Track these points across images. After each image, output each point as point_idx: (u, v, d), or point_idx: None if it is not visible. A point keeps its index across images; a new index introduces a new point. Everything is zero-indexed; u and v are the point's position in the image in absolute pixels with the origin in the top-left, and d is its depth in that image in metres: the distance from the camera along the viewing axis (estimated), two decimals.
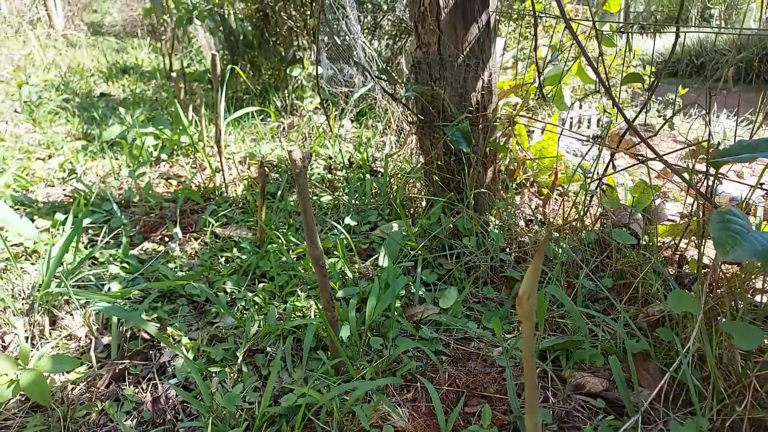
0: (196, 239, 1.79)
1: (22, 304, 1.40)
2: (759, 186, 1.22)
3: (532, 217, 1.84)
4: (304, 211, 1.03)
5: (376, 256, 1.59)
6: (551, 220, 1.86)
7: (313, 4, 2.99)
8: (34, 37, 7.53)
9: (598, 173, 1.54)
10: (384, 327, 1.28)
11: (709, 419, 0.95)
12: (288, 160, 2.35)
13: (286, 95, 3.31)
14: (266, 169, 2.30)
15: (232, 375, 1.18)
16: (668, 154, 1.08)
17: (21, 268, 1.59)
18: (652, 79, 1.54)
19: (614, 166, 1.52)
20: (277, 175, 2.27)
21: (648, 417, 0.99)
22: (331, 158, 2.41)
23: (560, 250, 1.51)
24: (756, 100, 1.46)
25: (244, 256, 1.64)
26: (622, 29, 1.49)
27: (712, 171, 1.31)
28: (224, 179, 2.06)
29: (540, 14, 1.57)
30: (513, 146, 1.86)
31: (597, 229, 1.57)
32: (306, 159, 1.01)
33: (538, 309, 1.23)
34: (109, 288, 1.50)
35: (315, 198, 2.10)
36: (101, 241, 1.75)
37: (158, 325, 1.35)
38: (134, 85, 4.58)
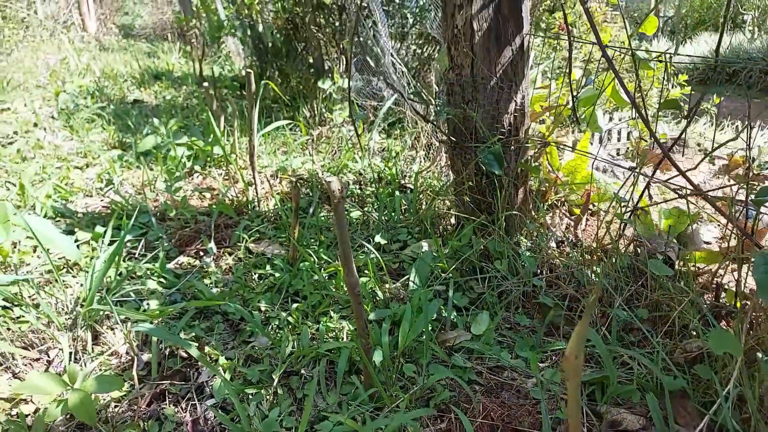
0: (230, 254, 1.83)
1: (66, 319, 1.45)
2: None
3: (564, 239, 1.83)
4: (341, 239, 1.05)
5: (407, 276, 1.60)
6: (583, 241, 1.85)
7: (343, 16, 3.02)
8: (68, 42, 7.73)
9: (633, 199, 1.53)
10: (416, 352, 1.30)
11: None
12: (321, 180, 2.38)
13: (315, 106, 3.34)
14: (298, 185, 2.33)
15: (268, 397, 1.21)
16: (712, 190, 1.07)
17: (63, 281, 1.64)
18: (689, 106, 1.52)
19: (650, 196, 1.51)
20: (307, 190, 2.30)
21: None
22: (360, 174, 2.43)
23: (593, 276, 1.51)
24: None
25: (277, 274, 1.67)
26: (660, 57, 1.47)
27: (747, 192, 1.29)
28: (257, 194, 2.10)
29: (575, 40, 1.56)
30: (544, 167, 1.86)
31: (631, 253, 1.56)
32: (344, 189, 1.03)
33: None
34: (148, 304, 1.54)
35: (345, 214, 2.12)
36: (139, 254, 1.80)
37: (196, 344, 1.38)
38: (166, 91, 4.67)
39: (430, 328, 1.36)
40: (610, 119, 3.41)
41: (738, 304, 1.29)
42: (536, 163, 1.80)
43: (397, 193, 2.08)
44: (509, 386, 1.19)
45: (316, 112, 3.34)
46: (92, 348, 1.40)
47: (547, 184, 1.86)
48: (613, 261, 1.49)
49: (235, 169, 2.46)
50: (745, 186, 1.33)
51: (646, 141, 3.08)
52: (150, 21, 11.81)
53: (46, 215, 2.06)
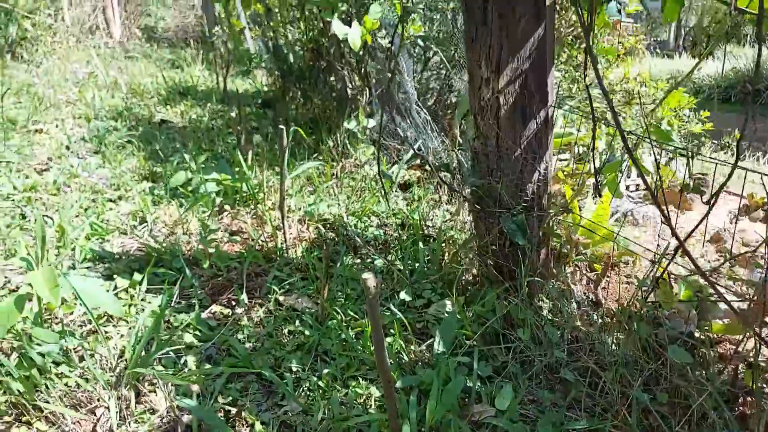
0: (261, 305, 1.91)
1: (110, 377, 1.54)
2: None
3: (584, 297, 1.88)
4: (375, 339, 1.12)
5: (432, 340, 1.67)
6: (603, 300, 1.90)
7: (366, 56, 3.08)
8: (95, 53, 7.87)
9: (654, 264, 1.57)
10: (443, 425, 1.36)
11: None
12: (342, 221, 2.45)
13: (339, 136, 3.41)
14: (321, 228, 2.41)
15: None
16: (743, 299, 1.11)
17: (105, 332, 1.73)
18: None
19: (670, 285, 1.55)
20: (333, 234, 2.38)
21: None
22: (385, 222, 2.50)
23: (613, 346, 1.56)
24: None
25: (306, 332, 1.75)
26: (683, 152, 1.51)
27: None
28: (285, 240, 2.18)
29: (598, 119, 1.61)
30: (566, 231, 1.91)
31: (651, 331, 1.60)
32: (379, 284, 1.10)
33: None
34: (186, 361, 1.63)
35: (369, 261, 2.19)
36: (174, 302, 1.89)
37: (234, 409, 1.46)
38: (191, 110, 4.78)
39: (456, 402, 1.42)
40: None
41: (755, 387, 1.34)
42: (557, 228, 1.85)
43: (420, 245, 2.15)
44: None
45: (339, 143, 3.41)
46: (135, 406, 1.49)
47: (568, 247, 1.91)
48: (633, 330, 1.54)
49: (263, 209, 2.55)
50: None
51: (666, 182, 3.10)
52: (172, 24, 11.97)
53: (85, 258, 2.15)
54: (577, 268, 1.98)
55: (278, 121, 4.47)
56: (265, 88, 5.46)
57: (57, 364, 1.55)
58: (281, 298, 1.92)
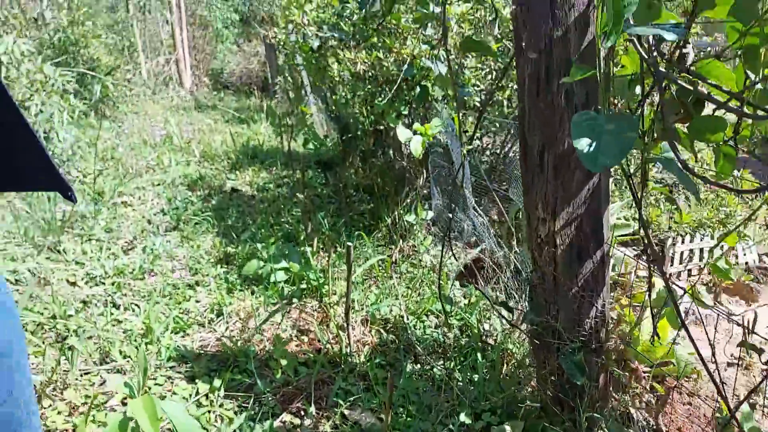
0: (327, 419, 2.04)
1: None
2: None
3: (645, 425, 1.90)
4: None
5: None
6: (665, 430, 1.91)
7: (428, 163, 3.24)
8: (168, 106, 8.46)
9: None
10: None
11: None
12: (402, 322, 2.57)
13: (398, 215, 3.56)
14: (383, 333, 2.53)
15: None
16: None
17: None
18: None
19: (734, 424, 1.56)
20: (393, 337, 2.50)
21: None
22: (442, 324, 2.60)
23: None
24: None
25: None
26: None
27: None
28: (350, 345, 2.32)
29: (655, 272, 1.66)
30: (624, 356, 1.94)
31: None
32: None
33: None
34: None
35: (428, 367, 2.30)
36: (249, 407, 2.06)
37: None
38: (258, 177, 5.08)
39: None
40: (691, 241, 3.39)
41: None
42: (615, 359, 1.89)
43: (479, 355, 2.23)
44: None
45: (397, 221, 3.55)
46: None
47: (628, 375, 1.95)
48: None
49: (327, 302, 2.71)
50: None
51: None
52: (237, 69, 12.66)
53: (170, 357, 2.37)
54: (636, 395, 2.00)
55: (339, 187, 4.69)
56: (328, 144, 5.71)
57: None
58: (346, 412, 2.05)
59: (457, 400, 2.06)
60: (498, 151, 4.11)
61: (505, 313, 2.01)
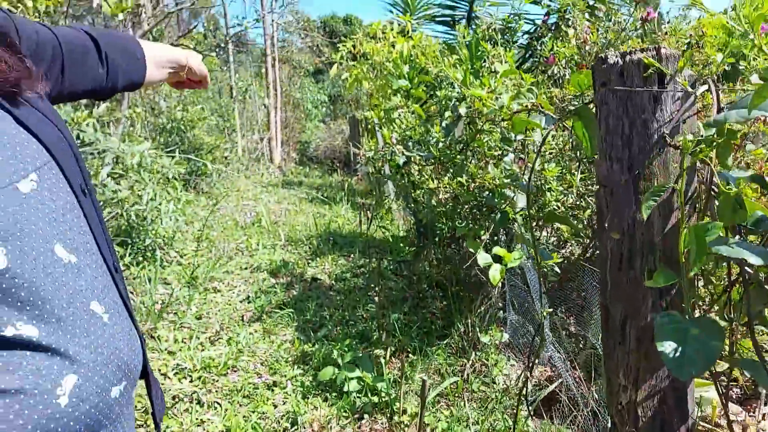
0: None
1: None
2: None
3: None
4: None
5: None
6: None
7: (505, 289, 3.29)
8: (259, 184, 9.08)
9: None
10: None
11: None
12: None
13: (470, 323, 3.56)
14: None
15: None
16: None
17: None
18: None
19: None
20: None
21: None
22: None
23: None
24: None
25: None
26: None
27: None
28: None
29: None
30: None
31: None
32: None
33: None
34: None
35: None
36: None
37: None
38: (336, 265, 5.29)
39: None
40: None
41: None
42: None
43: None
44: None
45: (469, 330, 3.56)
46: None
47: None
48: None
49: (398, 420, 2.73)
50: None
51: None
52: (323, 145, 13.43)
53: None
54: None
55: (413, 280, 4.79)
56: (403, 233, 5.87)
57: None
58: None
59: None
60: (574, 259, 4.05)
61: None
